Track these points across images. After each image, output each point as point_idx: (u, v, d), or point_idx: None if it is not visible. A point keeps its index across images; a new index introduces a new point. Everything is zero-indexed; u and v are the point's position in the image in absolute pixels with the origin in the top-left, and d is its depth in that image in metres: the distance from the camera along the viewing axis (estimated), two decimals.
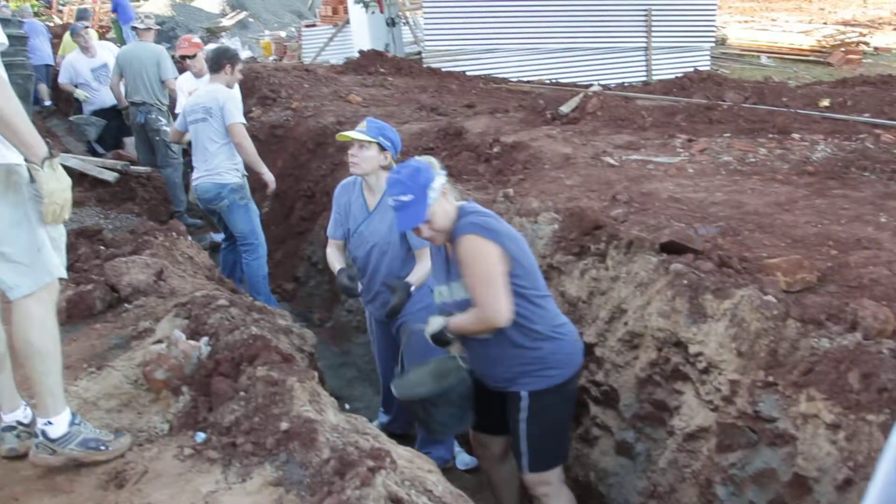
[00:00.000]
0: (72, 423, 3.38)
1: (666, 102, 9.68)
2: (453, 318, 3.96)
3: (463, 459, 5.47)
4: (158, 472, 3.30)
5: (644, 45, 17.57)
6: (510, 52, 16.68)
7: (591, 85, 12.28)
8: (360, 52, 16.11)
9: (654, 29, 17.44)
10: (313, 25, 22.59)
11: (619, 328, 4.84)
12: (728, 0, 34.97)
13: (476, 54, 16.46)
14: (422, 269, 4.85)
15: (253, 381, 3.62)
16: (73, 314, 4.98)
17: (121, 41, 15.76)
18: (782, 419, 3.76)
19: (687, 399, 4.35)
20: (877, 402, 3.38)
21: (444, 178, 3.86)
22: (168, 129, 9.65)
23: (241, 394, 3.58)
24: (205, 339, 4.10)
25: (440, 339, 4.05)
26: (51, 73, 13.82)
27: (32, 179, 3.15)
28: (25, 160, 3.08)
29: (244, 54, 20.18)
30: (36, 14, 24.73)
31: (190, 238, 6.83)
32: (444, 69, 15.25)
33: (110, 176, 8.76)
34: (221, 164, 6.94)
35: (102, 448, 3.41)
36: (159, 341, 4.25)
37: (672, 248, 4.72)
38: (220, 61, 6.95)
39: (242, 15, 30.14)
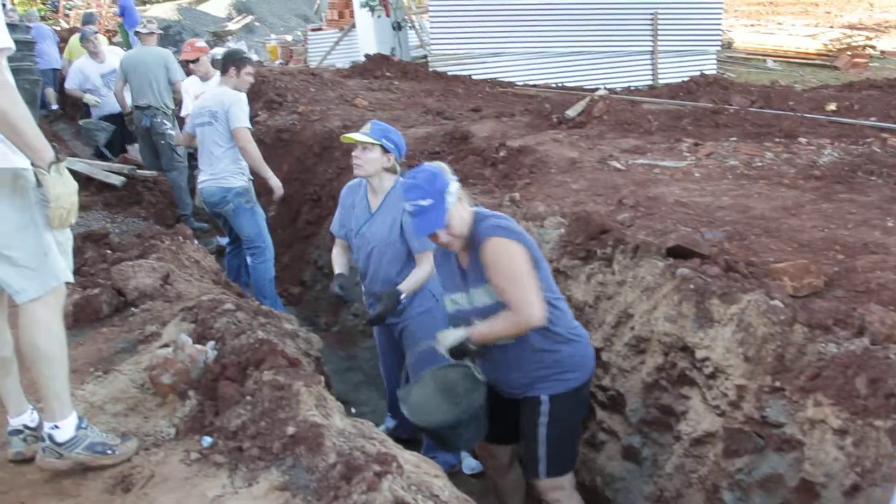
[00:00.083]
0: (78, 427, 3.38)
1: (672, 106, 9.69)
2: (477, 328, 3.88)
3: (469, 464, 5.46)
4: (165, 476, 3.30)
5: (650, 48, 17.55)
6: (516, 56, 16.68)
7: (597, 89, 12.28)
8: (366, 55, 16.12)
9: (660, 33, 17.42)
10: (319, 29, 22.60)
11: (625, 333, 4.84)
12: (734, 3, 34.92)
13: (482, 58, 16.46)
14: (419, 273, 4.87)
15: (259, 385, 3.62)
16: (80, 318, 4.99)
17: (127, 45, 15.79)
18: (789, 424, 3.75)
19: (693, 404, 4.34)
20: (884, 407, 3.37)
21: (458, 183, 3.84)
22: (173, 132, 9.67)
23: (248, 398, 3.58)
24: (211, 343, 4.10)
25: (461, 351, 3.95)
26: (58, 77, 13.84)
27: (39, 184, 3.15)
28: (32, 164, 3.08)
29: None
30: (42, 18, 24.79)
31: (196, 242, 6.84)
32: (450, 73, 15.25)
33: (117, 180, 8.78)
34: (226, 168, 6.94)
35: (109, 452, 3.42)
36: (166, 345, 4.25)
37: (678, 253, 4.71)
38: (225, 64, 6.96)
39: (249, 19, 30.23)
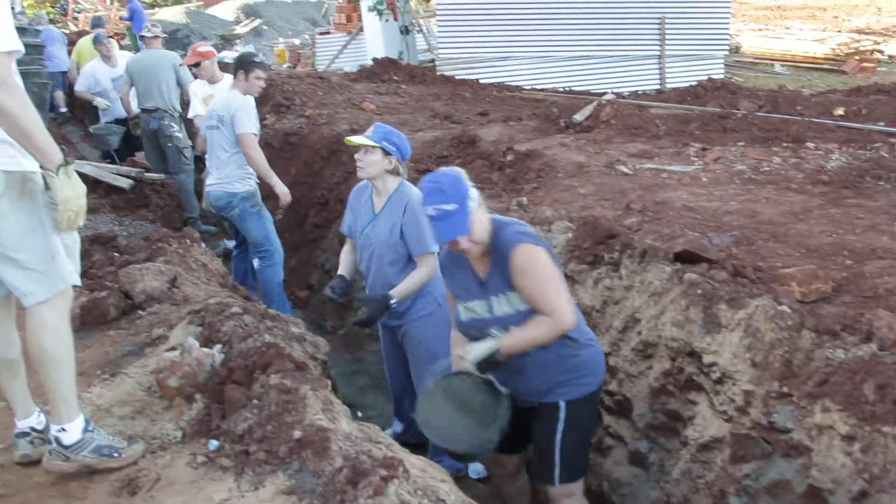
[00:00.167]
0: (85, 430, 3.39)
1: (680, 111, 9.67)
2: (508, 338, 3.77)
3: (475, 468, 5.45)
4: (171, 479, 3.31)
5: (658, 53, 17.53)
6: (524, 60, 16.67)
7: (604, 93, 12.27)
8: (374, 59, 16.13)
9: (667, 37, 17.40)
10: (327, 33, 22.64)
11: (632, 338, 4.83)
12: (742, 8, 34.91)
13: (490, 62, 16.46)
14: (414, 277, 4.89)
15: (266, 388, 3.62)
16: (87, 321, 5.00)
17: (135, 49, 15.85)
18: (797, 430, 3.74)
19: (701, 409, 4.33)
20: (892, 413, 3.36)
21: (476, 190, 3.79)
22: (181, 135, 9.69)
23: (255, 402, 3.58)
24: (218, 346, 4.10)
25: (490, 363, 3.82)
26: (66, 80, 13.88)
27: (47, 187, 3.16)
28: (41, 167, 3.09)
29: None
30: (51, 21, 24.86)
31: (203, 245, 6.85)
32: (457, 77, 15.24)
33: (125, 183, 8.80)
34: (232, 173, 6.93)
35: (115, 455, 3.42)
36: (173, 348, 4.25)
37: (686, 258, 4.71)
38: (235, 68, 6.95)
39: (256, 22, 30.26)
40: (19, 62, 3.08)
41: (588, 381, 3.98)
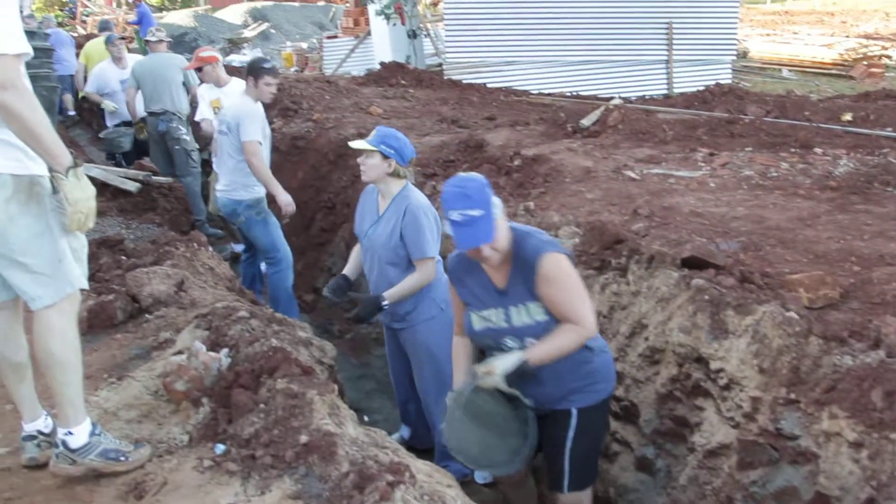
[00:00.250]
0: (92, 434, 3.39)
1: (687, 116, 9.67)
2: (536, 349, 3.71)
3: (482, 473, 5.45)
4: (178, 483, 3.31)
5: (665, 57, 17.52)
6: (531, 65, 16.67)
7: (612, 98, 12.27)
8: (382, 63, 16.16)
9: (675, 42, 17.39)
10: (335, 37, 22.69)
11: (639, 343, 4.82)
12: (750, 13, 34.91)
13: (497, 66, 16.46)
14: (410, 280, 4.91)
15: (273, 393, 3.62)
16: (95, 324, 5.01)
17: (143, 52, 15.88)
18: (804, 437, 3.73)
19: (708, 415, 4.32)
20: None
21: (497, 197, 3.72)
22: (188, 137, 9.71)
23: (261, 406, 3.58)
24: (225, 350, 4.11)
25: (519, 376, 3.71)
26: (73, 83, 13.90)
27: (55, 190, 3.17)
28: (51, 169, 3.10)
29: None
30: (60, 24, 24.96)
31: (210, 249, 6.85)
32: (465, 81, 15.26)
33: (132, 186, 8.81)
34: (238, 181, 6.92)
35: (122, 459, 3.43)
36: (180, 352, 4.26)
37: (693, 263, 4.70)
38: (245, 75, 6.95)
39: (264, 26, 30.30)
40: (28, 65, 3.09)
41: (600, 388, 3.97)
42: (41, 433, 3.57)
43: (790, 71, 21.33)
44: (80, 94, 13.00)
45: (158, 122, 9.66)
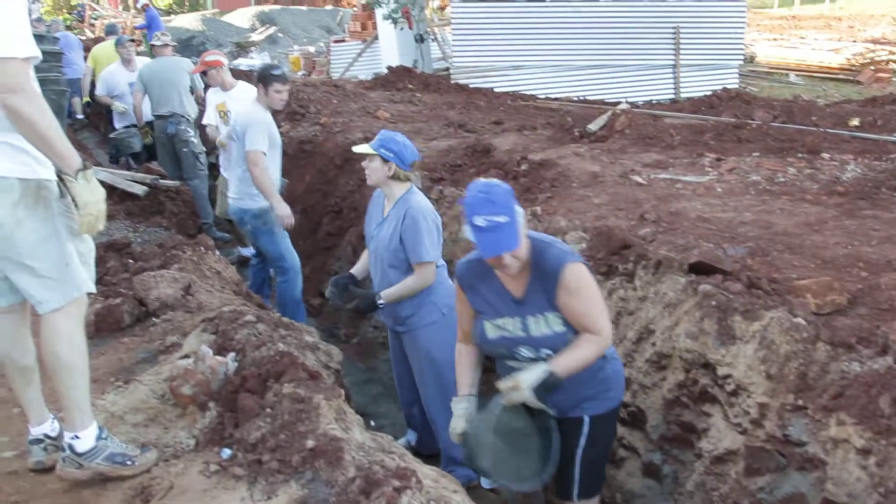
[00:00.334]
0: (99, 438, 3.40)
1: (694, 121, 9.65)
2: (561, 360, 3.62)
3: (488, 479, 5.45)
4: (184, 487, 3.31)
5: (672, 62, 17.51)
6: (538, 69, 16.68)
7: (619, 102, 12.26)
8: (389, 67, 16.17)
9: (682, 46, 17.38)
10: (342, 41, 22.73)
11: (646, 349, 4.82)
12: (757, 17, 34.84)
13: (504, 71, 16.48)
14: (408, 283, 4.94)
15: (279, 397, 3.62)
16: (102, 327, 5.02)
17: (151, 55, 15.93)
18: (812, 443, 3.72)
19: (715, 421, 4.31)
20: None
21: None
22: (196, 140, 9.72)
23: (268, 410, 3.58)
24: (232, 354, 4.11)
25: (546, 389, 3.60)
26: (80, 86, 13.93)
27: (62, 194, 3.18)
28: (61, 172, 3.10)
29: None
30: (68, 27, 25.03)
31: (217, 252, 6.85)
32: (472, 85, 15.26)
33: (139, 189, 8.83)
34: (245, 190, 6.86)
35: (129, 463, 3.43)
36: (186, 356, 4.26)
37: (701, 269, 4.69)
38: (256, 82, 6.92)
39: (272, 30, 30.38)
40: (38, 69, 3.11)
41: (612, 395, 3.94)
42: (48, 437, 3.58)
43: (797, 75, 21.32)
44: (85, 100, 13.03)
45: (167, 125, 9.66)
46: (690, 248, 4.91)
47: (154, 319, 5.17)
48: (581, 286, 3.60)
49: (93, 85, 12.38)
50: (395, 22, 17.25)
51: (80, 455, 3.36)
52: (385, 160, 4.86)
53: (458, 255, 6.01)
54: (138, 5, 24.45)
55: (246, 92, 8.37)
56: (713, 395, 4.32)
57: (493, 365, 4.11)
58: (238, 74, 11.03)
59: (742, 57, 18.93)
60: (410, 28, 17.36)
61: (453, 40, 17.28)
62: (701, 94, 13.03)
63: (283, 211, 6.82)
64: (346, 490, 3.06)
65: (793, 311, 4.09)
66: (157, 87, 9.69)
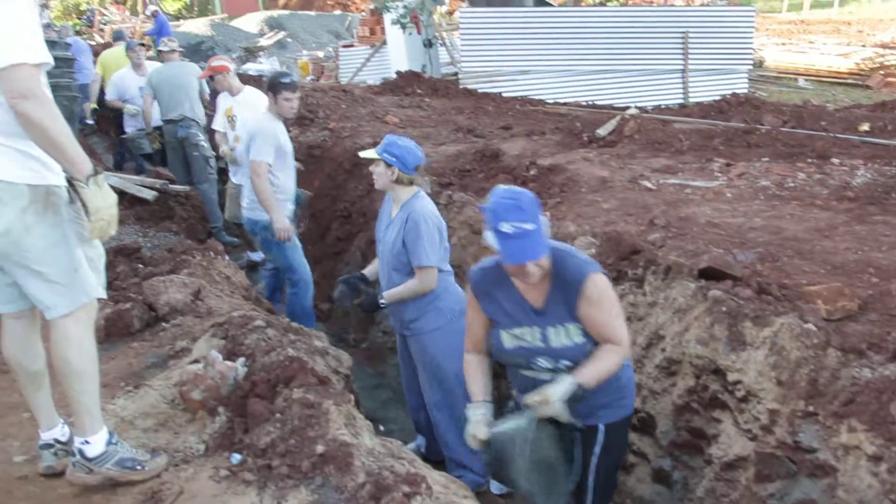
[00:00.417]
0: (109, 443, 3.41)
1: (704, 126, 9.65)
2: (585, 372, 3.55)
3: (497, 484, 5.43)
4: (194, 492, 3.31)
5: (681, 67, 17.49)
6: (546, 74, 16.68)
7: (627, 107, 12.25)
8: (397, 72, 16.20)
9: (691, 51, 17.36)
10: (351, 46, 22.78)
11: (656, 354, 4.81)
12: (765, 22, 34.80)
13: (512, 76, 16.48)
14: (408, 286, 4.97)
15: (289, 403, 3.63)
16: (112, 332, 5.03)
17: (160, 61, 15.97)
18: (822, 450, 3.70)
19: (725, 427, 4.30)
20: None
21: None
22: (206, 144, 9.74)
23: (277, 416, 3.59)
24: (241, 359, 4.11)
25: (573, 401, 3.52)
26: (89, 91, 13.96)
27: (71, 200, 3.19)
28: (72, 178, 3.11)
29: None
30: (77, 33, 25.11)
31: (227, 257, 6.85)
32: (480, 90, 15.27)
33: (149, 194, 8.85)
34: (255, 200, 6.84)
35: (139, 468, 3.44)
36: (196, 361, 4.27)
37: (710, 275, 4.68)
38: (266, 91, 6.89)
39: (280, 35, 30.44)
40: (49, 75, 3.12)
41: (626, 403, 3.92)
42: (58, 441, 3.58)
43: (806, 80, 21.28)
44: (92, 106, 13.05)
45: (177, 129, 9.67)
46: (700, 253, 4.90)
47: (164, 324, 5.18)
48: (603, 297, 3.56)
49: (101, 91, 12.41)
50: (403, 27, 17.28)
51: (90, 460, 3.36)
52: (388, 164, 4.89)
53: (467, 261, 6.03)
54: (147, 11, 24.53)
55: (254, 97, 8.38)
56: (723, 401, 4.31)
57: (502, 371, 4.10)
58: (246, 79, 11.06)
59: (751, 62, 18.91)
60: (419, 33, 17.39)
61: (462, 45, 17.29)
62: (710, 98, 13.03)
63: (281, 224, 6.72)
64: (355, 496, 3.06)
65: (803, 316, 4.08)
66: (166, 92, 9.71)
